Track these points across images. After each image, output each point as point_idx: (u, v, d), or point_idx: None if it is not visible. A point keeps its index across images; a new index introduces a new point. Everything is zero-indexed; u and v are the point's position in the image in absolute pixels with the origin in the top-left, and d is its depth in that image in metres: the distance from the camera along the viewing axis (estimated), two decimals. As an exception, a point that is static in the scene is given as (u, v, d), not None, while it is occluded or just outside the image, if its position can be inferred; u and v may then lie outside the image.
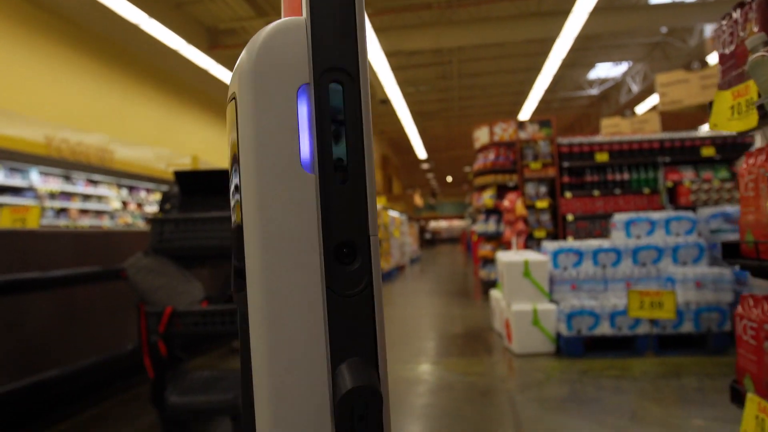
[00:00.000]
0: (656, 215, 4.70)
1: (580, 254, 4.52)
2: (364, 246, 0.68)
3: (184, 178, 2.99)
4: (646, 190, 7.35)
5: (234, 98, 0.66)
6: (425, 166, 30.81)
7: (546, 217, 7.53)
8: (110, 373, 3.62)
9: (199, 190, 3.00)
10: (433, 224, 40.44)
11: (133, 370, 3.81)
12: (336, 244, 0.66)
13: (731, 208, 4.76)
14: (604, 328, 4.18)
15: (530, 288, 4.40)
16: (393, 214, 13.74)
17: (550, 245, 4.66)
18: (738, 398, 1.48)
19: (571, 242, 4.69)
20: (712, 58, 11.29)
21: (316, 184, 0.65)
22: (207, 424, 2.96)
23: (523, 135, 7.91)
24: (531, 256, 4.62)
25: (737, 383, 1.51)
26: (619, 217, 4.79)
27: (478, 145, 8.44)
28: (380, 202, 13.77)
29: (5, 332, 2.90)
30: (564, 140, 7.54)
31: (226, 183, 3.01)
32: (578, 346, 4.18)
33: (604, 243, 4.59)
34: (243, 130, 0.65)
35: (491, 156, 7.91)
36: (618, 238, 4.73)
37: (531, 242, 7.39)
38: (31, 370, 3.00)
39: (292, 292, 0.64)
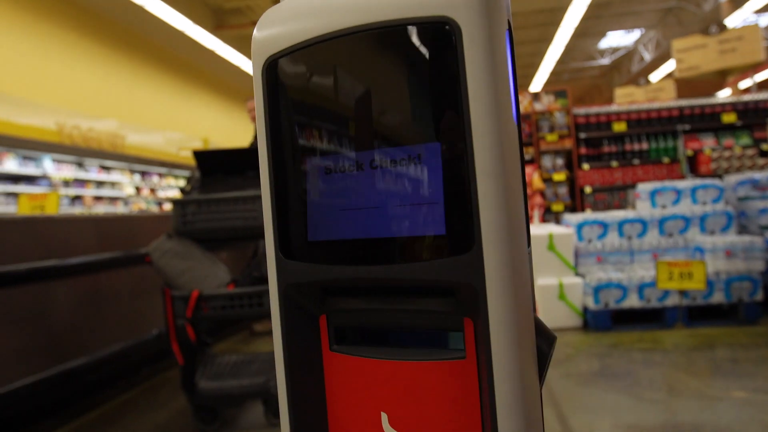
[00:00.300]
0: (682, 184, 4.59)
1: (604, 226, 4.42)
2: None
3: (203, 157, 2.92)
4: (666, 160, 7.20)
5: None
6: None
7: (563, 190, 7.42)
8: (137, 360, 3.60)
9: (219, 169, 2.93)
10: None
11: (160, 355, 3.79)
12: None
13: (759, 175, 4.63)
14: (633, 301, 4.10)
15: (555, 261, 4.32)
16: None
17: (574, 217, 4.57)
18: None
19: (595, 214, 4.59)
20: (731, 21, 11.01)
21: (518, 135, 0.61)
22: (238, 408, 2.94)
23: (538, 106, 7.76)
24: (555, 229, 4.53)
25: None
26: (644, 187, 4.68)
27: (492, 118, 8.30)
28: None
29: (31, 321, 2.87)
30: (581, 110, 7.39)
31: (246, 161, 2.94)
32: (606, 320, 4.11)
33: (629, 214, 4.49)
34: (477, 63, 0.57)
35: (506, 129, 7.78)
36: (643, 209, 4.62)
37: (549, 216, 7.29)
38: (59, 358, 2.97)
39: (526, 253, 0.60)
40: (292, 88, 0.67)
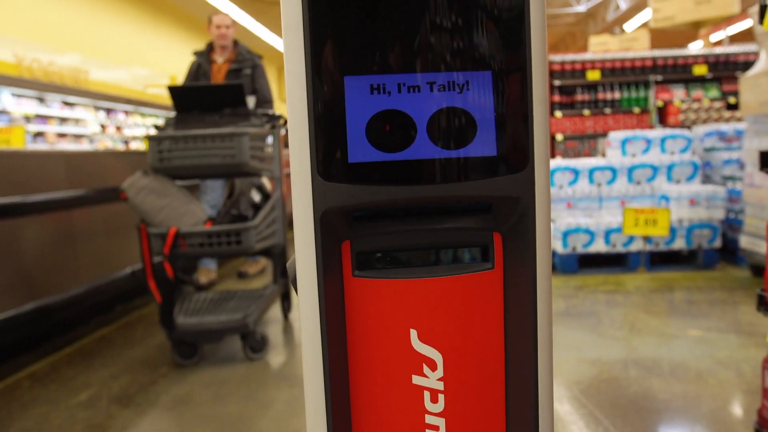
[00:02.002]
0: (652, 133, 4.68)
1: (576, 172, 4.51)
2: None
3: (179, 94, 2.86)
4: (636, 110, 7.30)
5: None
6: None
7: (535, 138, 7.47)
8: (111, 297, 3.60)
9: (195, 106, 2.87)
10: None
11: (134, 293, 3.80)
12: None
13: (726, 127, 4.75)
14: (599, 246, 4.25)
15: (527, 207, 4.41)
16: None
17: (546, 164, 4.64)
18: (765, 306, 1.51)
19: (567, 161, 4.67)
20: (707, -28, 10.95)
21: None
22: (216, 344, 2.99)
23: (514, 52, 7.71)
24: (527, 175, 4.60)
25: (765, 291, 1.54)
26: (615, 135, 4.77)
27: (467, 63, 8.22)
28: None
29: (4, 257, 2.84)
30: (556, 57, 7.37)
31: (223, 99, 2.89)
32: (573, 263, 4.25)
33: (600, 161, 4.59)
34: None
35: (481, 75, 7.73)
36: (613, 157, 4.72)
37: (520, 163, 7.36)
38: (33, 295, 2.96)
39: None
40: None
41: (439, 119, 0.64)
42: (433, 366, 0.70)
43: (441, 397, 0.70)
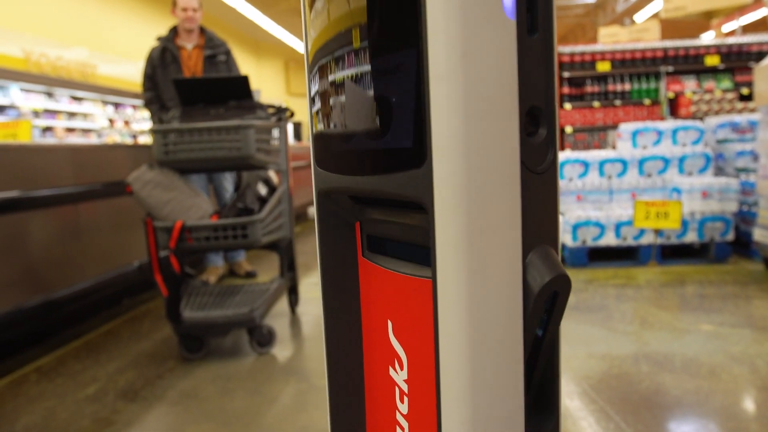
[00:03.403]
0: (663, 125, 4.62)
1: (586, 165, 4.46)
2: (550, 113, 0.56)
3: (184, 86, 2.83)
4: (647, 101, 7.21)
5: None
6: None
7: (545, 130, 7.41)
8: (118, 291, 3.60)
9: (200, 99, 2.84)
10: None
11: (141, 287, 3.80)
12: (526, 109, 0.54)
13: (739, 117, 4.67)
14: (609, 239, 4.20)
15: (536, 200, 4.36)
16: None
17: (556, 157, 4.59)
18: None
19: (577, 153, 4.62)
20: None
21: (515, 31, 0.51)
22: (223, 338, 2.98)
23: (523, 44, 7.63)
24: (536, 167, 4.55)
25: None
26: (626, 127, 4.70)
27: (475, 55, 8.16)
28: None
29: (10, 251, 2.83)
30: (565, 49, 7.29)
31: (229, 91, 2.86)
32: (582, 257, 4.21)
33: (610, 153, 4.53)
34: None
35: (490, 67, 7.66)
36: (624, 149, 4.66)
37: (529, 155, 7.31)
38: (39, 289, 2.96)
39: (487, 165, 0.51)
40: None
41: (335, 106, 0.63)
42: (401, 364, 0.68)
43: (406, 399, 0.68)
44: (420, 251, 0.66)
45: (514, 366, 0.56)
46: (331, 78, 0.63)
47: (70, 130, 8.36)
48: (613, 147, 6.58)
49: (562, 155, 4.58)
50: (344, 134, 0.62)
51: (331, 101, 0.63)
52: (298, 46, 16.07)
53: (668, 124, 4.62)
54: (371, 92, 0.57)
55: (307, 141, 12.53)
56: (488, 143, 0.51)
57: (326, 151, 0.69)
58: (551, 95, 0.56)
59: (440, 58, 0.49)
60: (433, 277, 0.54)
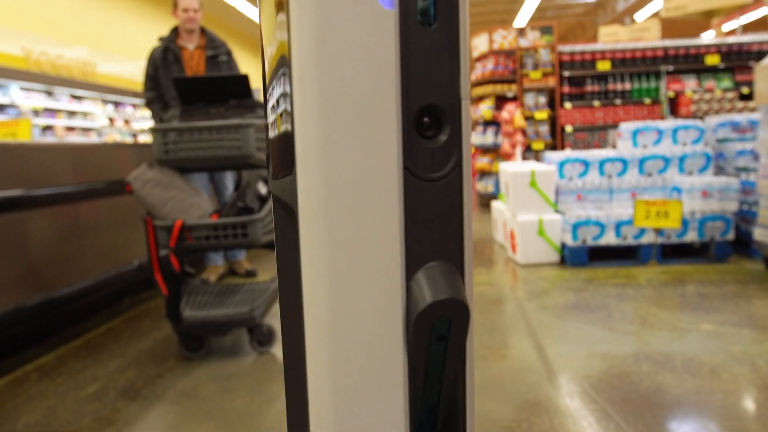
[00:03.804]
0: (664, 124, 4.61)
1: (586, 164, 4.46)
2: (454, 113, 0.49)
3: (184, 85, 2.83)
4: (647, 101, 7.21)
5: None
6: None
7: (545, 129, 7.42)
8: (118, 290, 3.60)
9: (200, 98, 2.84)
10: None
11: (141, 286, 3.80)
12: (417, 109, 0.48)
13: (740, 117, 4.67)
14: (609, 238, 4.20)
15: (536, 198, 4.36)
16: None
17: (556, 155, 4.59)
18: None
19: (577, 152, 4.61)
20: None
21: (397, 22, 0.46)
22: (224, 337, 2.98)
23: (523, 43, 7.64)
24: (537, 166, 4.55)
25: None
26: (626, 127, 4.70)
27: (476, 53, 8.16)
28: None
29: (10, 250, 2.83)
30: (566, 48, 7.29)
31: (229, 90, 2.86)
32: (583, 256, 4.20)
33: (610, 153, 4.52)
34: None
35: (490, 65, 7.67)
36: (624, 148, 4.66)
37: (529, 154, 7.31)
38: (40, 288, 2.95)
39: (358, 173, 0.46)
40: None
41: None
42: None
43: None
44: None
45: (392, 406, 0.49)
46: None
47: (69, 128, 8.35)
48: (614, 146, 6.58)
49: (562, 154, 4.57)
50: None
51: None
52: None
53: (668, 123, 4.62)
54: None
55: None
56: (358, 148, 0.46)
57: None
58: (456, 93, 0.49)
59: (301, 59, 0.46)
60: (302, 298, 0.50)
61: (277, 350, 2.78)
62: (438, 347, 0.50)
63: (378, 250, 0.48)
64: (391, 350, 0.49)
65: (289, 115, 0.48)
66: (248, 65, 13.48)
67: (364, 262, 0.47)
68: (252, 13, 12.43)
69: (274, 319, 3.23)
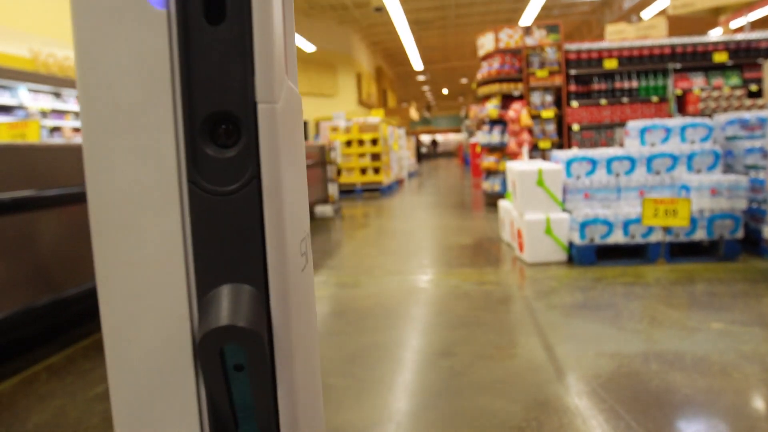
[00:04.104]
0: (672, 122, 4.59)
1: (593, 163, 4.44)
2: (249, 120, 0.45)
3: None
4: (655, 99, 7.18)
5: None
6: (421, 78, 30.10)
7: (551, 127, 7.40)
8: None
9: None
10: (428, 138, 40.08)
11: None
12: (205, 116, 0.44)
13: (749, 114, 4.64)
14: (617, 237, 4.18)
15: (543, 197, 4.35)
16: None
17: (563, 154, 4.57)
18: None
19: (584, 151, 4.60)
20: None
21: (171, 23, 0.43)
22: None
23: (529, 41, 7.61)
24: (544, 165, 4.53)
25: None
26: (634, 125, 4.68)
27: (482, 52, 8.14)
28: (378, 115, 13.50)
29: (20, 251, 2.85)
30: (572, 46, 7.27)
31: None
32: (590, 255, 4.19)
33: (618, 151, 4.51)
34: None
35: (496, 64, 7.65)
36: (632, 146, 4.64)
37: (535, 153, 7.29)
38: (49, 288, 2.97)
39: (135, 187, 0.43)
40: None
41: None
42: None
43: None
44: None
45: None
46: None
47: (77, 130, 8.39)
48: (621, 144, 6.55)
49: (569, 153, 4.56)
50: None
51: None
52: (304, 45, 16.09)
53: (677, 121, 4.60)
54: None
55: (313, 140, 12.54)
56: (134, 161, 0.43)
57: None
58: (251, 98, 0.45)
59: (79, 68, 0.44)
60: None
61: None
62: (240, 378, 0.46)
63: (161, 270, 0.45)
64: (180, 378, 0.46)
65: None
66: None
67: (147, 284, 0.44)
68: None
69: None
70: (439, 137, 40.32)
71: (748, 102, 6.61)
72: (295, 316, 0.48)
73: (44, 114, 7.72)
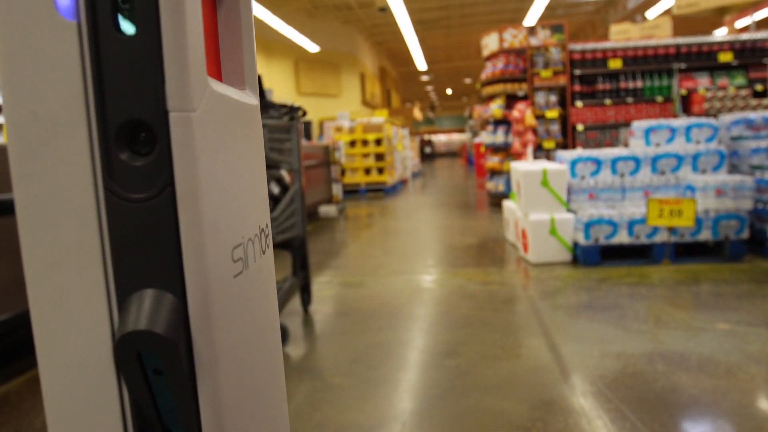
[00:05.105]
0: (677, 122, 4.58)
1: (598, 163, 4.44)
2: (162, 128, 0.46)
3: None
4: (659, 99, 7.16)
5: None
6: (425, 78, 30.09)
7: (555, 128, 7.39)
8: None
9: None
10: (432, 138, 40.07)
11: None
12: (119, 125, 0.46)
13: (754, 115, 4.63)
14: (622, 237, 4.17)
15: (548, 197, 4.35)
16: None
17: (567, 154, 4.57)
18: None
19: (589, 151, 4.59)
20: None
21: (82, 34, 0.45)
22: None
23: (533, 41, 7.61)
24: (549, 165, 4.53)
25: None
26: (639, 125, 4.67)
27: (486, 52, 8.14)
28: (382, 115, 13.50)
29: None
30: (576, 46, 7.26)
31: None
32: (595, 255, 4.18)
33: (623, 151, 4.50)
34: None
35: (500, 64, 7.65)
36: (637, 146, 4.63)
37: (540, 153, 7.29)
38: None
39: (53, 195, 0.45)
40: None
41: None
42: None
43: None
44: None
45: None
46: None
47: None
48: (626, 145, 6.54)
49: (574, 153, 4.56)
50: None
51: None
52: (308, 45, 16.10)
53: (682, 121, 4.59)
54: None
55: (317, 140, 12.55)
56: (51, 170, 0.45)
57: None
58: (162, 106, 0.46)
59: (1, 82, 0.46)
60: None
61: (290, 349, 2.79)
62: (160, 382, 0.47)
63: (82, 276, 0.46)
64: (103, 381, 0.47)
65: None
66: (259, 66, 13.54)
67: (70, 289, 0.46)
68: (259, 13, 12.48)
69: (286, 319, 3.24)
70: (443, 137, 40.27)
71: (754, 102, 6.59)
72: (220, 323, 0.49)
73: None
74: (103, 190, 0.46)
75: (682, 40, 7.19)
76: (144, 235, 0.46)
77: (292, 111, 3.04)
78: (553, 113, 7.31)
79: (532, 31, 7.70)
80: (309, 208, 7.04)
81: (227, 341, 0.50)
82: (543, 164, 4.67)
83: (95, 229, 0.46)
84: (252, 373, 0.58)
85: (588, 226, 4.16)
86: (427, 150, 33.80)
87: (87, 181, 0.46)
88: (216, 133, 0.50)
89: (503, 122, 7.83)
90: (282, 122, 2.84)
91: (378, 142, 11.67)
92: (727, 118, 4.73)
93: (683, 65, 7.10)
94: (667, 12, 13.10)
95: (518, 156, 7.18)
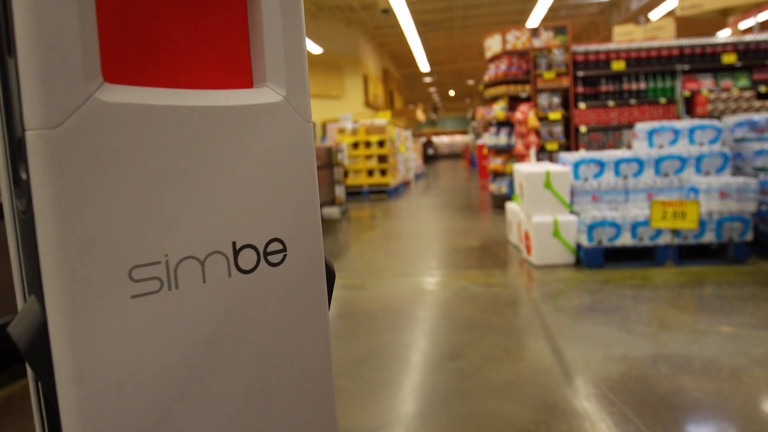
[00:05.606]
0: (680, 124, 4.57)
1: (601, 165, 4.43)
2: (24, 146, 0.47)
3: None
4: (663, 100, 7.15)
5: None
6: (427, 79, 30.08)
7: (558, 129, 7.38)
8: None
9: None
10: (434, 140, 40.05)
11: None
12: (17, 140, 0.48)
13: (758, 116, 4.62)
14: (625, 239, 4.16)
15: (551, 199, 4.34)
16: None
17: (571, 156, 4.56)
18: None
19: (592, 153, 4.59)
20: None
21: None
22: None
23: (537, 43, 7.60)
24: (552, 167, 4.53)
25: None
26: (642, 127, 4.67)
27: (489, 54, 8.14)
28: (385, 117, 13.50)
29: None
30: (579, 48, 7.25)
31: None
32: (598, 257, 4.18)
33: (626, 153, 4.49)
34: None
35: (503, 66, 7.64)
36: (640, 148, 4.62)
37: (543, 155, 7.28)
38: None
39: None
40: None
41: None
42: None
43: None
44: None
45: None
46: None
47: None
48: (629, 146, 6.53)
49: (577, 155, 4.55)
50: None
51: None
52: (311, 47, 16.11)
53: (685, 123, 4.58)
54: None
55: (320, 142, 12.55)
56: None
57: None
58: (22, 124, 0.47)
59: None
60: None
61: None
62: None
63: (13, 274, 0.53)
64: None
65: None
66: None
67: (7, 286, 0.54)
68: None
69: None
70: (445, 139, 40.23)
71: (757, 104, 6.58)
72: (83, 335, 0.49)
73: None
74: (15, 202, 0.50)
75: (685, 41, 7.17)
76: (25, 246, 0.50)
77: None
78: (556, 115, 7.30)
79: (535, 32, 7.70)
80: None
81: (95, 354, 0.50)
82: (546, 166, 4.66)
83: (13, 236, 0.51)
84: (134, 388, 0.55)
85: (591, 228, 4.16)
86: (430, 151, 33.75)
87: (6, 193, 0.50)
88: (109, 148, 0.49)
89: (506, 124, 7.82)
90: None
91: (381, 143, 11.67)
92: (730, 119, 4.72)
93: (686, 67, 7.09)
94: (671, 13, 13.09)
95: (521, 158, 7.17)
